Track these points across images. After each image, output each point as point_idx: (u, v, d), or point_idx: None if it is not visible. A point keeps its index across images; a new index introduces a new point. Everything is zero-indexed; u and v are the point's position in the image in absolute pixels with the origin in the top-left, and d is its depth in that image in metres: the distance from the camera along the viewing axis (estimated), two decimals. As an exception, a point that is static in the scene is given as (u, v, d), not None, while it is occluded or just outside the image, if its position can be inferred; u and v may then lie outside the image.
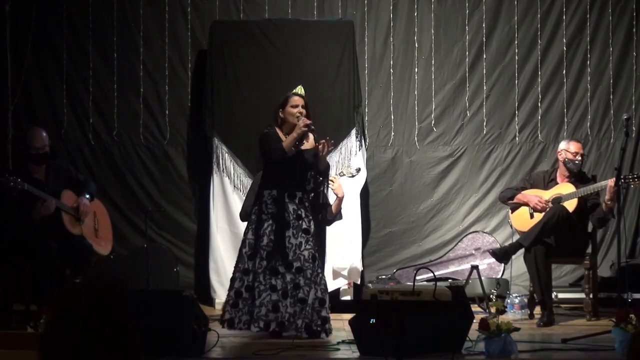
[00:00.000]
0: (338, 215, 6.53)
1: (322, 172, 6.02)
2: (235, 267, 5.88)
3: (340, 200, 6.50)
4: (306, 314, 5.70)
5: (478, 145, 8.07)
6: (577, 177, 6.72)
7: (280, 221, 5.77)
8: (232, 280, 5.85)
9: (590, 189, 6.55)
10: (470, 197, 8.03)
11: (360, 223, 7.57)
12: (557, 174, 6.79)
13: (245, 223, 6.88)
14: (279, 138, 5.86)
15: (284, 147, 5.78)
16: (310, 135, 5.90)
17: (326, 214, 6.35)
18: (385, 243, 8.03)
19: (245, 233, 5.90)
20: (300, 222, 5.83)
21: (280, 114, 5.92)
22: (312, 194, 6.07)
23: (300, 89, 6.02)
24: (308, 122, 5.80)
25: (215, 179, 7.55)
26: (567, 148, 6.71)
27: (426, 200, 8.04)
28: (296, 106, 5.88)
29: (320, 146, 5.84)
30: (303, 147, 5.90)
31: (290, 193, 5.83)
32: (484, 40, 8.04)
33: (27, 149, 6.34)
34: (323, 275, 5.88)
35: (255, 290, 5.71)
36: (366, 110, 7.98)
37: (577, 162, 6.67)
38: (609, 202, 6.45)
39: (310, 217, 5.88)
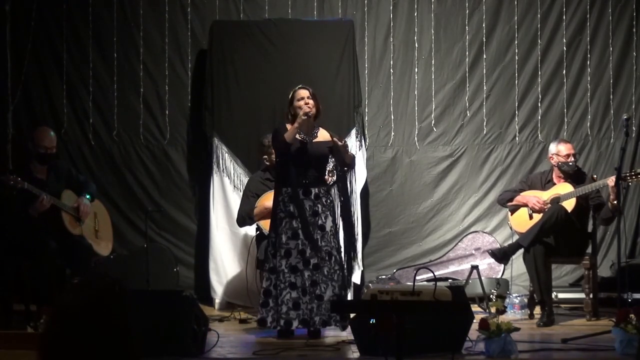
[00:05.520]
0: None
1: (349, 164, 6.01)
2: (263, 268, 5.98)
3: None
4: (323, 311, 5.74)
5: (478, 145, 8.07)
6: (574, 176, 6.71)
7: (296, 218, 5.81)
8: (262, 280, 5.95)
9: (589, 188, 6.54)
10: (470, 197, 8.03)
11: (360, 223, 7.56)
12: (554, 175, 6.77)
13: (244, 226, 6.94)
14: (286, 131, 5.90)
15: (285, 138, 5.80)
16: (321, 129, 5.93)
17: (351, 202, 6.14)
18: (385, 243, 8.02)
19: (269, 232, 5.97)
20: (316, 218, 5.85)
21: (290, 110, 5.96)
22: (338, 184, 6.02)
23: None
24: (306, 110, 5.83)
25: (215, 179, 7.55)
26: (558, 152, 6.67)
27: (426, 200, 8.04)
28: (301, 98, 5.92)
29: (341, 144, 5.87)
30: (315, 140, 5.92)
31: (305, 190, 5.85)
32: (484, 40, 8.03)
33: (35, 147, 6.35)
34: (340, 271, 5.87)
35: (277, 288, 5.77)
36: (366, 110, 7.97)
37: (571, 163, 6.64)
38: (614, 202, 6.43)
39: (327, 213, 5.90)
